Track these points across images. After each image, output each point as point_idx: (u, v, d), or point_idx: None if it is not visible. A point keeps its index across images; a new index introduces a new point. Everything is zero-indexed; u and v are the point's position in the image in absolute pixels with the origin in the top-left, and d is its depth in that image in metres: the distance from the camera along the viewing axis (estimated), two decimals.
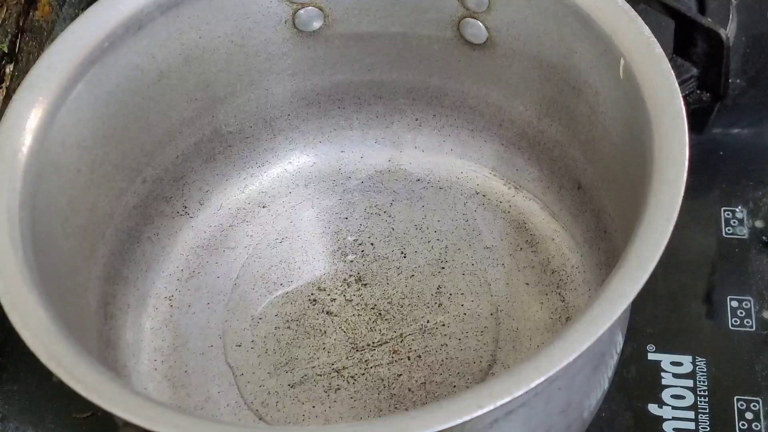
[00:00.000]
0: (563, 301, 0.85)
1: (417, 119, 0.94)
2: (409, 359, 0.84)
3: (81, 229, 0.79)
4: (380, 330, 0.86)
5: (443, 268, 0.89)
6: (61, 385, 0.61)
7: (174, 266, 0.91)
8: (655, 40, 0.72)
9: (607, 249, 0.82)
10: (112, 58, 0.79)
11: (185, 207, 0.92)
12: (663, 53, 0.71)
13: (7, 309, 0.65)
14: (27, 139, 0.74)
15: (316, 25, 0.87)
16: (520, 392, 0.57)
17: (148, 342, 0.87)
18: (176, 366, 0.85)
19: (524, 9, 0.80)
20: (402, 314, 0.86)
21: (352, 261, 0.90)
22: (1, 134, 0.74)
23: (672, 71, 0.70)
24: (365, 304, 0.87)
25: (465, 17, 0.84)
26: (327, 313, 0.87)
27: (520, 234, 0.90)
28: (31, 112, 0.75)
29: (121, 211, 0.85)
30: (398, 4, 0.85)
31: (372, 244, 0.91)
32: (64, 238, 0.76)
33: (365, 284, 0.89)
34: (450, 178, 0.93)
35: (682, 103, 0.69)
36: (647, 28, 0.73)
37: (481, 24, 0.83)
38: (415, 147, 0.95)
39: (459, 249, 0.89)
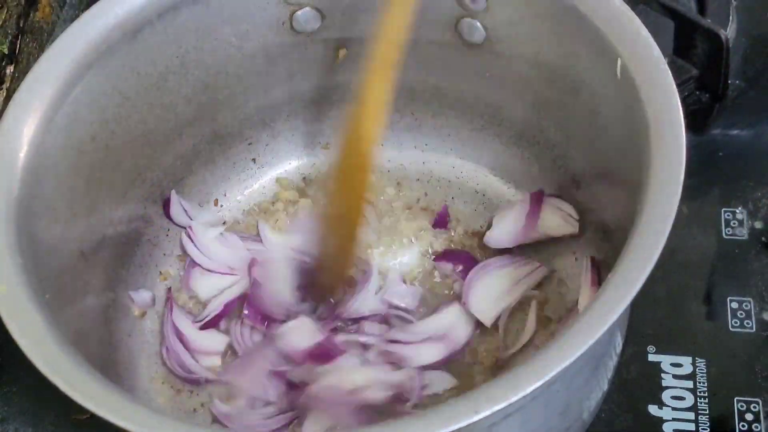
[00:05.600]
0: (563, 301, 0.84)
1: (416, 119, 0.94)
2: None
3: (80, 232, 0.79)
4: None
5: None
6: None
7: (174, 269, 0.91)
8: (652, 40, 0.72)
9: (607, 249, 0.81)
10: (109, 62, 0.80)
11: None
12: (660, 54, 0.71)
13: (4, 317, 0.65)
14: (24, 142, 0.74)
15: (314, 26, 0.87)
16: (517, 397, 0.57)
17: (149, 345, 0.87)
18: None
19: (522, 9, 0.80)
20: None
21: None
22: None
23: (669, 72, 0.70)
24: None
25: (463, 17, 0.84)
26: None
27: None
28: (29, 115, 0.75)
29: (121, 214, 0.85)
30: None
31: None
32: (63, 242, 0.76)
33: None
34: (450, 178, 0.94)
35: (680, 104, 0.68)
36: (645, 28, 0.73)
37: (479, 24, 0.83)
38: (415, 147, 0.96)
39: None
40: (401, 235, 0.91)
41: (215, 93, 0.88)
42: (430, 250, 0.90)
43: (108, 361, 0.81)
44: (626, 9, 0.74)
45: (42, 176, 0.74)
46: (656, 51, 0.71)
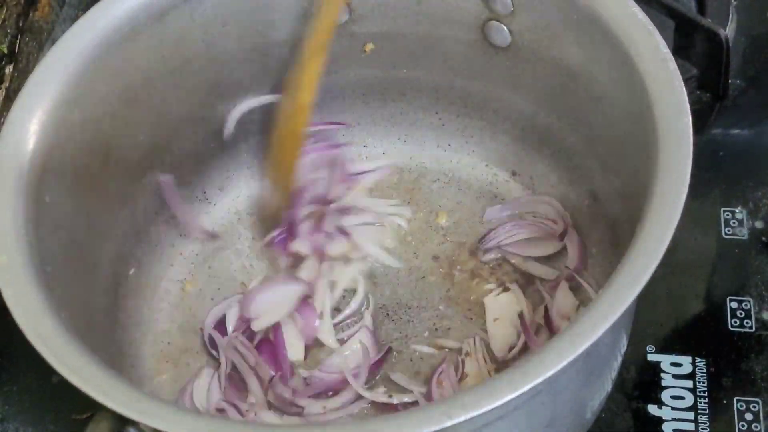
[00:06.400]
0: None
1: (440, 118, 0.95)
2: (411, 360, 0.85)
3: (92, 209, 0.80)
4: (386, 330, 0.87)
5: (455, 270, 0.89)
6: (61, 386, 0.62)
7: (189, 250, 0.91)
8: (670, 55, 0.73)
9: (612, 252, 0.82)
10: (134, 43, 0.80)
11: (205, 192, 0.93)
12: (677, 70, 0.72)
13: (1, 285, 0.66)
14: (40, 116, 0.75)
15: (342, 19, 0.87)
16: (491, 406, 0.57)
17: (158, 323, 0.88)
18: (183, 348, 0.87)
19: (547, 14, 0.80)
20: (409, 315, 0.87)
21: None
22: (15, 105, 0.75)
23: (684, 89, 0.71)
24: (374, 303, 0.88)
25: (490, 20, 0.84)
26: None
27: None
28: (47, 89, 0.76)
29: (139, 192, 0.86)
30: (424, 3, 0.86)
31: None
32: (73, 217, 0.77)
33: (375, 283, 0.89)
34: (470, 180, 0.94)
35: (691, 124, 0.69)
36: (664, 43, 0.73)
37: (505, 27, 0.84)
38: (437, 146, 0.96)
39: (473, 252, 0.90)
40: None
41: (239, 80, 0.89)
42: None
43: (114, 336, 0.82)
44: (648, 22, 0.74)
45: (56, 151, 0.75)
46: (672, 65, 0.72)
